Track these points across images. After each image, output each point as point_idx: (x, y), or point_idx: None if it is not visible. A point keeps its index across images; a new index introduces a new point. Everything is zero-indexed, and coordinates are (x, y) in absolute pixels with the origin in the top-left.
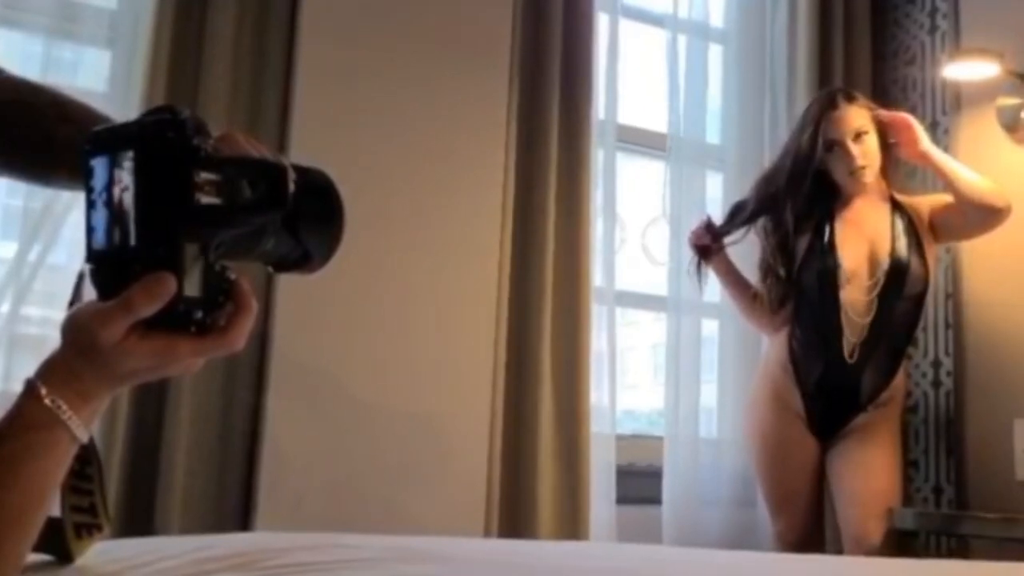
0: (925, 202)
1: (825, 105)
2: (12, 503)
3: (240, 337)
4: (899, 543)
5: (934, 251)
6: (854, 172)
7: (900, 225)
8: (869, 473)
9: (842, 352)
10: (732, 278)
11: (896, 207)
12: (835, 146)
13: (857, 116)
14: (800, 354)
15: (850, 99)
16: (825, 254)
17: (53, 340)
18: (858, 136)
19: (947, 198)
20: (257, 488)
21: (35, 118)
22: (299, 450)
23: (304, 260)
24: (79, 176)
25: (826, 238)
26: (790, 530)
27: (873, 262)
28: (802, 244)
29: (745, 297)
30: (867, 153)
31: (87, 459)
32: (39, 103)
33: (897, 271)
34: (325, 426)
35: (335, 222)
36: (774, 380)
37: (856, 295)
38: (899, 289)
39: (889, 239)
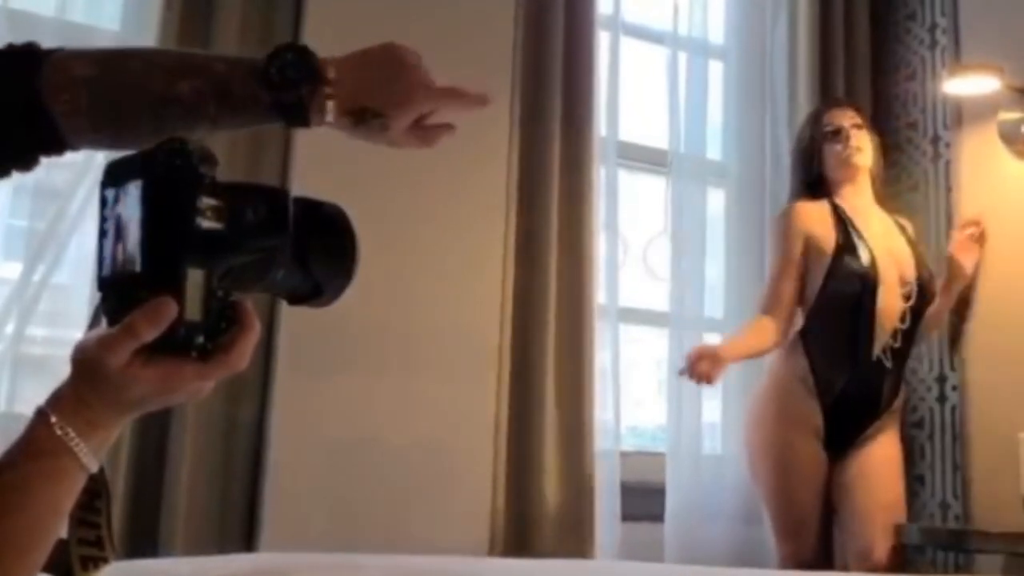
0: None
1: (826, 103)
2: (20, 529)
3: (243, 358)
4: (904, 559)
5: None
6: (850, 152)
7: (908, 236)
8: (877, 486)
9: (870, 357)
10: (745, 353)
11: (901, 225)
12: (832, 134)
13: (852, 112)
14: (821, 363)
15: (849, 103)
16: (855, 258)
17: (58, 360)
18: (856, 126)
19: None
20: (261, 508)
21: (139, 81)
22: (303, 470)
23: (315, 293)
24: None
25: (856, 244)
26: (798, 553)
27: (900, 267)
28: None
29: (759, 346)
30: (862, 137)
31: (96, 491)
32: (134, 68)
33: (923, 280)
34: (329, 445)
35: (347, 256)
36: (787, 394)
37: (890, 300)
38: (924, 297)
39: (907, 247)
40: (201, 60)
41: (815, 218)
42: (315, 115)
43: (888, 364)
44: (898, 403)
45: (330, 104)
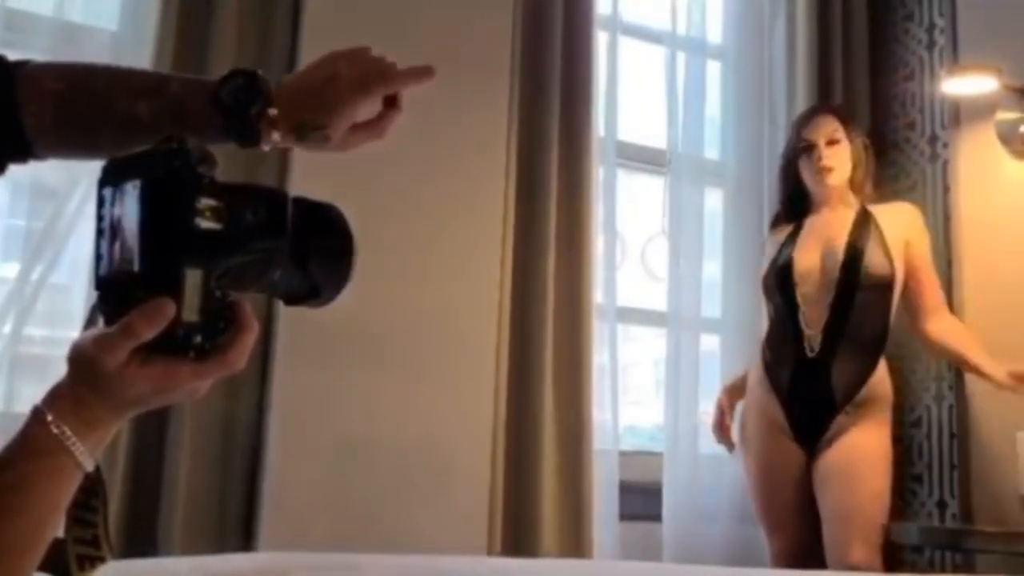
0: (911, 228)
1: (807, 112)
2: (16, 530)
3: (240, 358)
4: (901, 559)
5: (901, 253)
6: (820, 172)
7: (861, 222)
8: (850, 486)
9: (803, 351)
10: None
11: (864, 213)
12: (808, 148)
13: (833, 123)
14: (771, 359)
15: (831, 110)
16: (780, 254)
17: (56, 360)
18: (831, 142)
19: (926, 252)
20: (260, 507)
21: (102, 100)
22: (302, 469)
23: (313, 294)
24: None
25: (785, 242)
26: (786, 548)
27: (828, 258)
28: (771, 250)
29: None
30: (834, 156)
31: (93, 490)
32: (98, 86)
33: (852, 259)
34: (327, 444)
35: (345, 257)
36: (755, 395)
37: (811, 290)
38: (855, 278)
39: (847, 234)
40: (159, 81)
41: (774, 244)
42: (265, 135)
43: (815, 354)
44: (865, 395)
45: (277, 125)
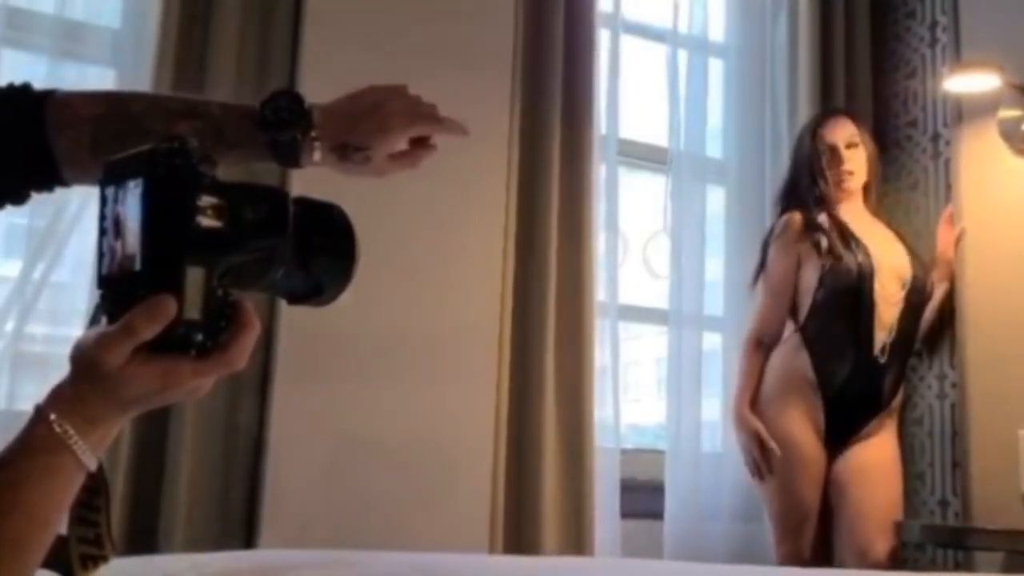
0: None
1: (825, 114)
2: (17, 527)
3: (242, 356)
4: (903, 556)
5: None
6: (841, 176)
7: (902, 237)
8: (875, 484)
9: (872, 351)
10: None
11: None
12: (828, 150)
13: (850, 127)
14: (823, 358)
15: (847, 114)
16: (855, 250)
17: (57, 358)
18: (850, 146)
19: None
20: (261, 507)
21: (140, 123)
22: (303, 467)
23: (315, 292)
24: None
25: (851, 241)
26: (798, 552)
27: (896, 265)
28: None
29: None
30: (855, 159)
31: (96, 489)
32: (135, 110)
33: (919, 274)
34: (328, 444)
35: (347, 256)
36: (790, 391)
37: (888, 295)
38: (921, 291)
39: (903, 247)
40: (197, 103)
41: (811, 226)
42: (305, 155)
43: (884, 360)
44: (897, 402)
45: (317, 144)
